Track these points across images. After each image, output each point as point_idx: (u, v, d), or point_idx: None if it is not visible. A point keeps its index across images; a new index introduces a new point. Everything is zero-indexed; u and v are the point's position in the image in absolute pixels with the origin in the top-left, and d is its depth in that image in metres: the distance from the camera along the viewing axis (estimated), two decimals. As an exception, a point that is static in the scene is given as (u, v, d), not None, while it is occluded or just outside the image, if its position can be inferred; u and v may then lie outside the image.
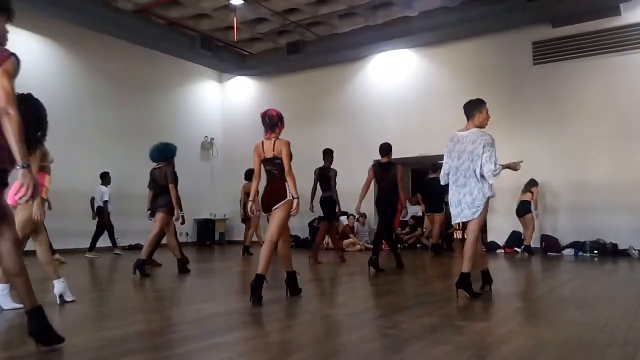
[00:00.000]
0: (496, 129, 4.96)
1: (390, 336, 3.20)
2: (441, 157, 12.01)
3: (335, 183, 8.22)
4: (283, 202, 4.46)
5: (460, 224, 13.73)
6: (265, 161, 4.64)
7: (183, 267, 6.78)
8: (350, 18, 11.41)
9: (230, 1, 10.27)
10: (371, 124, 12.37)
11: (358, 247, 11.19)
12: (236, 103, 14.74)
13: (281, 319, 3.85)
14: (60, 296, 4.25)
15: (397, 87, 12.21)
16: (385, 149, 7.33)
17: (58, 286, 4.24)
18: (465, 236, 5.03)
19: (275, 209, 4.49)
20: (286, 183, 4.52)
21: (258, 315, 4.02)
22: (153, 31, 11.53)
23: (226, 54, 13.25)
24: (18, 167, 2.52)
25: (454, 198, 4.69)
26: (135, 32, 11.25)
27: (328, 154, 8.50)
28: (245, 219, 10.94)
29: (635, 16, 9.61)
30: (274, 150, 4.58)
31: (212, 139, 14.44)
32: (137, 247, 11.48)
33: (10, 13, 2.71)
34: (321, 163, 8.53)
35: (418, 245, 11.70)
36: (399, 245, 9.78)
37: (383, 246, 11.39)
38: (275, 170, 4.58)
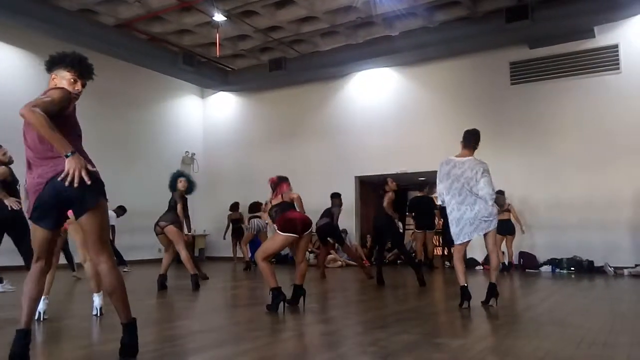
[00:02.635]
0: (474, 147, 5.09)
1: (369, 354, 3.20)
2: (421, 174, 12.16)
3: (338, 215, 8.90)
4: (310, 230, 5.07)
5: (441, 241, 13.83)
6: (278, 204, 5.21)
7: (162, 284, 6.78)
8: (331, 37, 11.54)
9: (213, 18, 10.31)
10: (352, 141, 12.46)
11: (339, 263, 11.18)
12: (218, 118, 14.72)
13: (260, 337, 3.82)
14: (42, 313, 4.22)
15: (378, 105, 12.33)
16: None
17: (42, 304, 4.19)
18: (452, 251, 5.27)
19: (305, 235, 5.02)
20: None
21: (236, 333, 3.98)
22: (135, 46, 11.49)
23: (208, 69, 13.26)
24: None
25: (466, 215, 4.87)
26: (117, 46, 11.20)
27: (336, 197, 9.03)
28: (238, 235, 11.58)
29: (609, 39, 9.90)
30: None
31: (193, 154, 14.37)
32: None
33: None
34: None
35: (398, 261, 11.73)
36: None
37: (364, 262, 11.49)
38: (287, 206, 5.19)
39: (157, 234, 7.00)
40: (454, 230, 5.00)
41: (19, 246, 5.75)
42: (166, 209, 7.11)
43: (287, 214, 5.00)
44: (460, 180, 4.86)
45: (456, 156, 5.06)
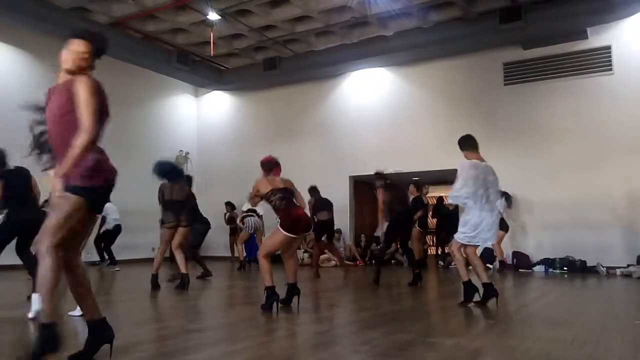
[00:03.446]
0: (468, 147, 5.12)
1: (362, 353, 3.20)
2: (416, 174, 12.15)
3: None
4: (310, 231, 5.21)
5: (435, 240, 13.86)
6: (278, 190, 4.98)
7: (155, 284, 6.77)
8: (326, 36, 11.54)
9: (208, 16, 10.28)
10: (347, 140, 12.47)
11: (333, 262, 11.18)
12: (212, 117, 14.68)
13: (254, 336, 3.82)
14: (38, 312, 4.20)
15: (372, 104, 12.34)
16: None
17: (36, 303, 4.17)
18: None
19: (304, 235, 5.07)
20: None
21: (230, 332, 3.98)
22: (129, 44, 11.43)
23: (202, 68, 13.22)
24: None
25: (485, 221, 4.87)
26: (111, 45, 11.07)
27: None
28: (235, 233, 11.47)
29: (601, 40, 9.95)
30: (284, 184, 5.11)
31: (187, 153, 14.31)
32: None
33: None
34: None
35: (392, 261, 11.75)
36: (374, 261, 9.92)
37: (358, 262, 11.51)
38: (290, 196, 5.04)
39: (167, 228, 6.85)
40: (469, 233, 4.92)
41: (24, 248, 5.34)
42: (165, 206, 6.96)
43: (292, 211, 4.87)
44: (485, 186, 4.85)
45: (479, 160, 5.03)
